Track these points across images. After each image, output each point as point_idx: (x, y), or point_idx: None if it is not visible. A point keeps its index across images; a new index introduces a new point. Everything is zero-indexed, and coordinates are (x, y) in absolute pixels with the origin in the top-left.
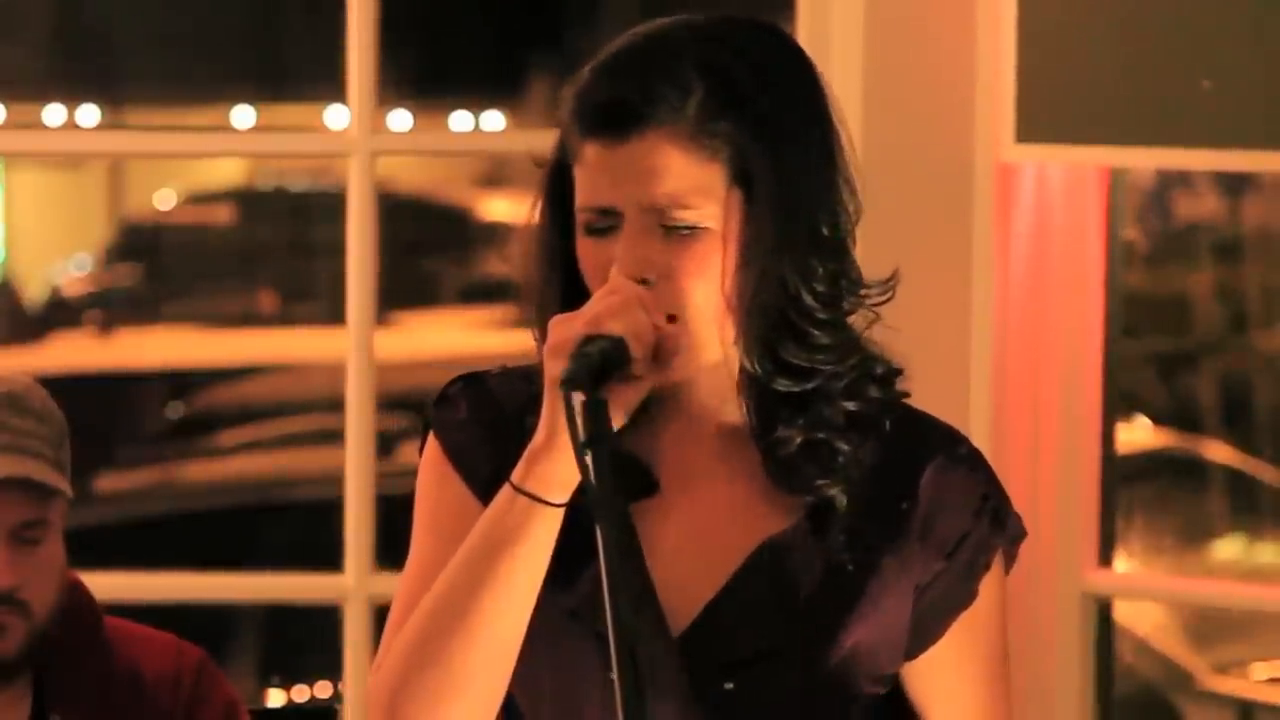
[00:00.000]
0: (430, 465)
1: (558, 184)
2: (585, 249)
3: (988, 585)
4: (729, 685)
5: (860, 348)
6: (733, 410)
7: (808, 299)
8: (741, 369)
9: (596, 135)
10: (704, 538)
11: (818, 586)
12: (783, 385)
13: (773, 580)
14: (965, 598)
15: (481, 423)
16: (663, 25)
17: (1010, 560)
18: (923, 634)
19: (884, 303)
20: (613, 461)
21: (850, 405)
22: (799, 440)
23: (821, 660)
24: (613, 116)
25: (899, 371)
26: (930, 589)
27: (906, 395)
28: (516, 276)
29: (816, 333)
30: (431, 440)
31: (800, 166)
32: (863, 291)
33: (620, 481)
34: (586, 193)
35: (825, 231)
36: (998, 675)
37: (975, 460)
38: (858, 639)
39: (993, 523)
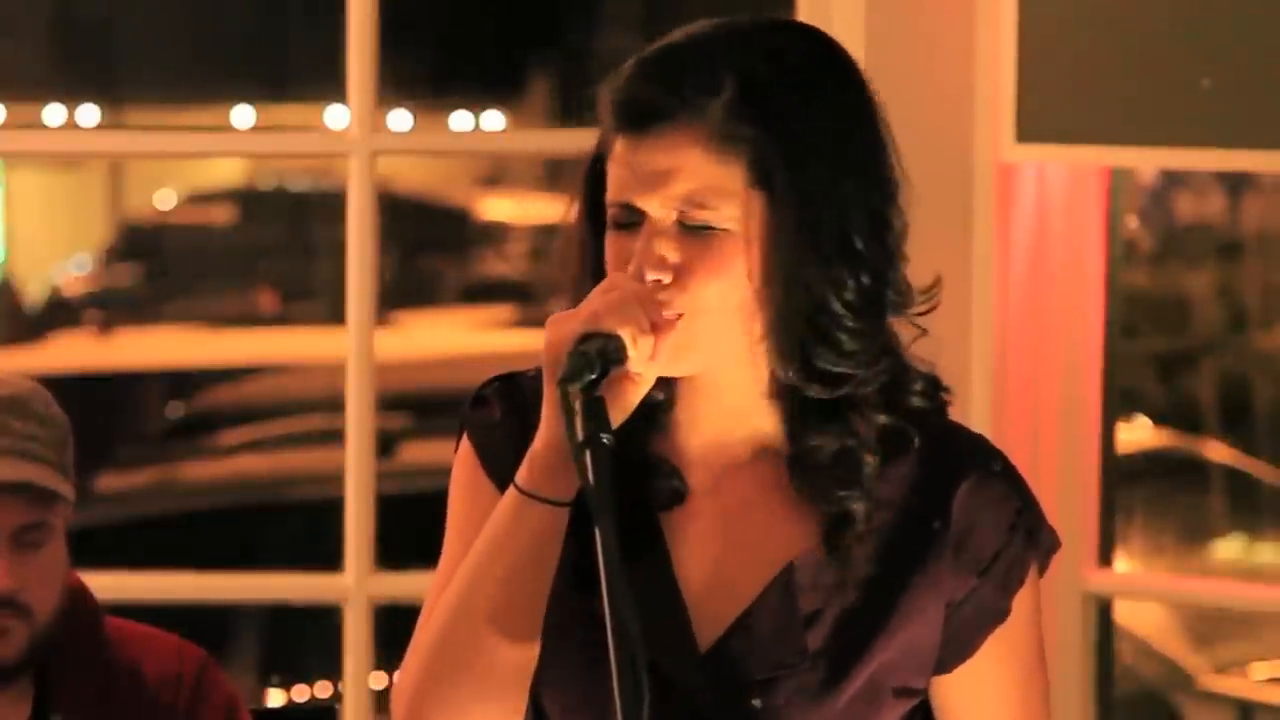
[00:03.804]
0: (462, 466)
1: (596, 179)
2: (610, 244)
3: (1022, 599)
4: (756, 702)
5: (891, 354)
6: (763, 418)
7: (835, 306)
8: (772, 374)
9: (624, 130)
10: (732, 551)
11: (846, 604)
12: (813, 391)
13: (800, 597)
14: (999, 614)
15: (514, 424)
16: (705, 26)
17: (1043, 569)
18: (956, 649)
19: (927, 312)
20: (643, 466)
21: (882, 418)
22: (828, 449)
23: (849, 678)
24: (639, 112)
25: (943, 388)
26: (963, 606)
27: (948, 403)
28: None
29: (845, 339)
30: (465, 441)
31: (829, 175)
32: (903, 301)
33: (650, 487)
34: (614, 187)
35: (859, 243)
36: (1034, 685)
37: (1009, 476)
38: (886, 656)
39: (1027, 539)
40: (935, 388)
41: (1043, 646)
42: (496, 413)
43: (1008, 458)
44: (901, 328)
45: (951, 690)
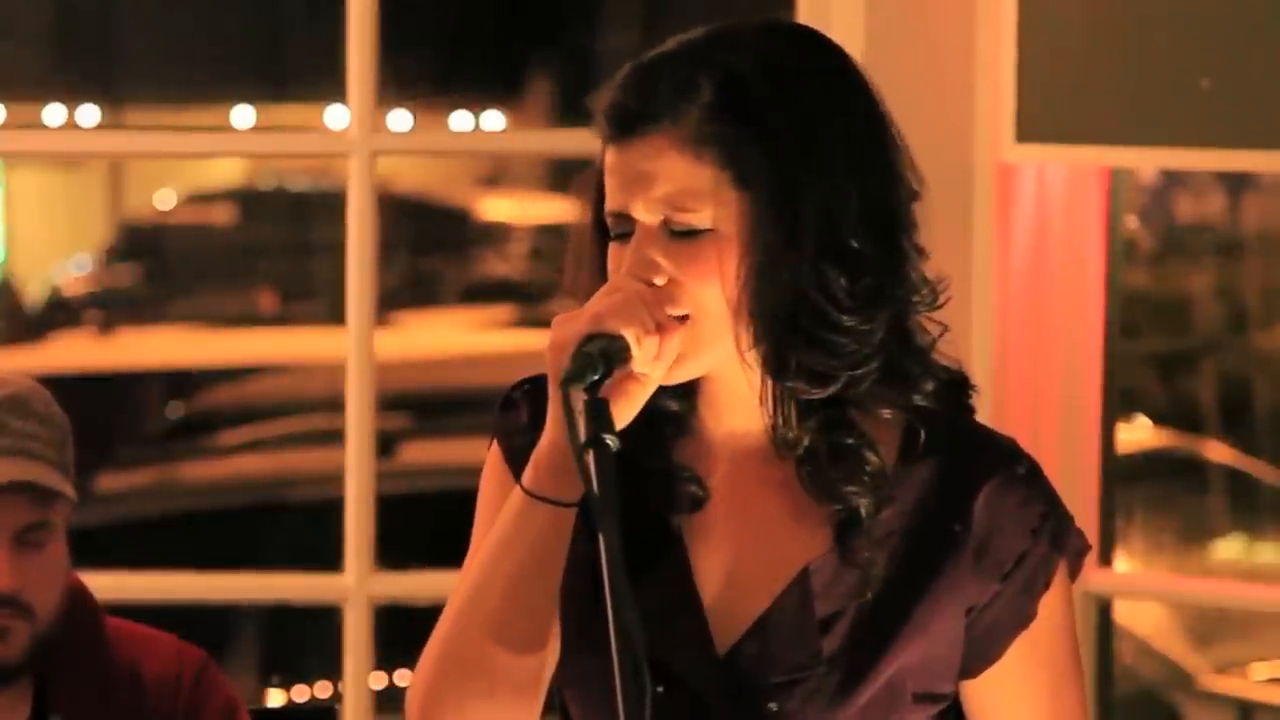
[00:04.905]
0: (491, 468)
1: (603, 191)
2: (612, 255)
3: (1051, 601)
4: (772, 706)
5: (895, 350)
6: (771, 418)
7: (822, 304)
8: (765, 374)
9: (610, 138)
10: (749, 555)
11: (863, 607)
12: (801, 390)
13: (816, 601)
14: (1024, 618)
15: (542, 427)
16: (696, 32)
17: (1075, 572)
18: (982, 654)
19: (936, 308)
20: (662, 472)
21: (888, 414)
22: (823, 445)
23: (866, 681)
24: (621, 120)
25: (967, 389)
26: (987, 610)
27: (971, 404)
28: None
29: (832, 337)
30: (493, 445)
31: (814, 174)
32: (915, 298)
33: (669, 493)
34: (607, 197)
35: (852, 241)
36: (1067, 689)
37: (1033, 480)
38: (904, 660)
39: (1052, 541)
40: (958, 388)
41: (1076, 649)
42: (523, 416)
43: (1035, 462)
44: (925, 324)
45: (982, 694)
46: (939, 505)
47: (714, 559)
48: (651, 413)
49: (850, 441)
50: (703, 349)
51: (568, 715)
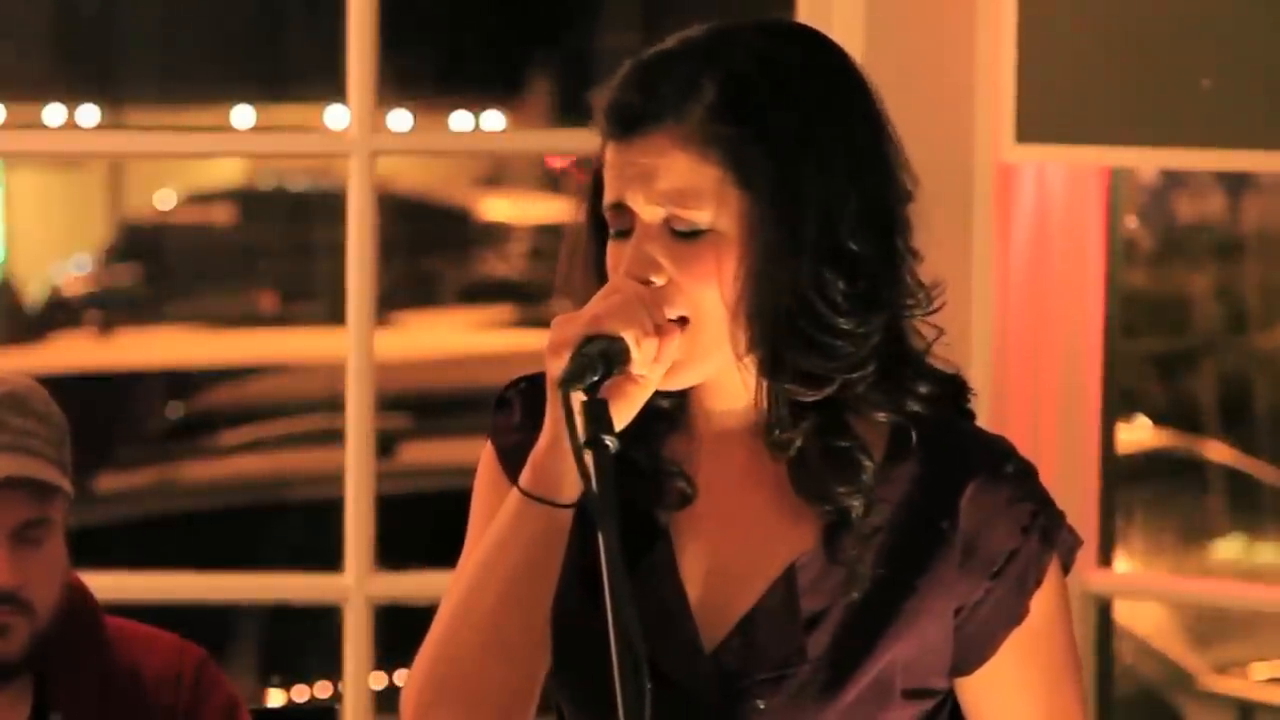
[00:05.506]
0: (484, 468)
1: (599, 188)
2: (611, 253)
3: (1043, 598)
4: (759, 703)
5: (890, 353)
6: (763, 419)
7: (820, 306)
8: (761, 375)
9: (612, 136)
10: (736, 552)
11: (851, 604)
12: (797, 392)
13: (803, 597)
14: (1015, 616)
15: (535, 426)
16: (697, 30)
17: (1067, 568)
18: (974, 652)
19: (930, 313)
20: (650, 468)
21: (883, 416)
22: (816, 448)
23: (852, 678)
24: (624, 118)
25: (963, 391)
26: (979, 608)
27: (968, 405)
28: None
29: (829, 340)
30: (488, 443)
31: (815, 176)
32: (909, 302)
33: (657, 489)
34: (606, 192)
35: (851, 243)
36: (1063, 684)
37: (1022, 477)
38: (892, 657)
39: (1043, 538)
40: (953, 390)
41: (1073, 646)
42: (517, 415)
43: (1027, 462)
44: (920, 327)
45: (978, 692)
46: (925, 502)
47: (700, 555)
48: (644, 410)
49: (844, 444)
50: (701, 356)
51: (563, 715)
